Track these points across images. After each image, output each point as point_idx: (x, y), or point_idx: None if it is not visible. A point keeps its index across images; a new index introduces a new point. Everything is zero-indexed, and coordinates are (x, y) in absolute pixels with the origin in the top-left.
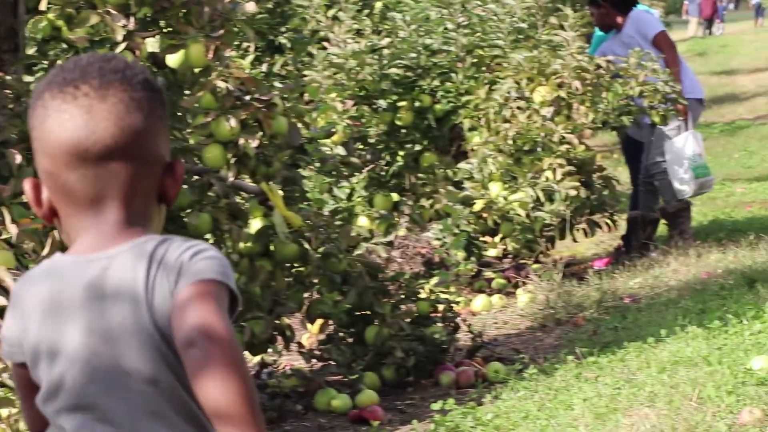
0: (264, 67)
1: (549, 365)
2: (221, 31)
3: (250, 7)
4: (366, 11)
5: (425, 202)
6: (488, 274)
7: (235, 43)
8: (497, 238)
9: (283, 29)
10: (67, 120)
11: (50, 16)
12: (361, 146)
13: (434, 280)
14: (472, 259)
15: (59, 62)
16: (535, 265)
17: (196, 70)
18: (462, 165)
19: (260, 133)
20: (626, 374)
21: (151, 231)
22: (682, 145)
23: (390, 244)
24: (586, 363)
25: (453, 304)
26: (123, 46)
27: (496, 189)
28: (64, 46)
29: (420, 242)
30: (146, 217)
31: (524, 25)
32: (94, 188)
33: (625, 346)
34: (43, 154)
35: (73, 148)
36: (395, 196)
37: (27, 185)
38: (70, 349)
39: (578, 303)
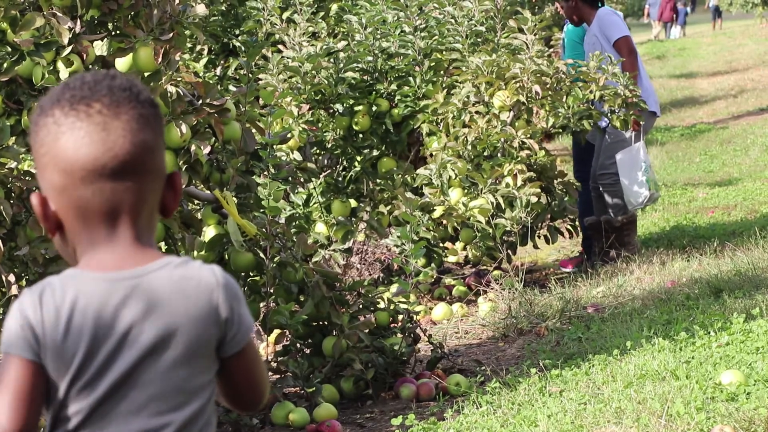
0: (218, 71)
1: (512, 378)
2: (171, 34)
3: (201, 10)
4: (321, 14)
5: (384, 209)
6: (448, 281)
7: (188, 46)
8: (458, 245)
9: (237, 32)
10: (84, 137)
11: None
12: (317, 151)
13: (393, 288)
14: (432, 265)
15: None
16: (496, 272)
17: (146, 75)
18: (421, 171)
19: (213, 139)
20: (592, 388)
21: (155, 245)
22: (638, 151)
23: (348, 251)
24: (550, 376)
25: (413, 314)
26: (69, 49)
27: (455, 195)
28: (9, 49)
29: (379, 248)
30: (152, 232)
31: (482, 29)
32: (109, 202)
33: (589, 358)
34: (56, 170)
35: (90, 163)
36: (353, 203)
37: (35, 200)
38: (116, 365)
39: (540, 312)
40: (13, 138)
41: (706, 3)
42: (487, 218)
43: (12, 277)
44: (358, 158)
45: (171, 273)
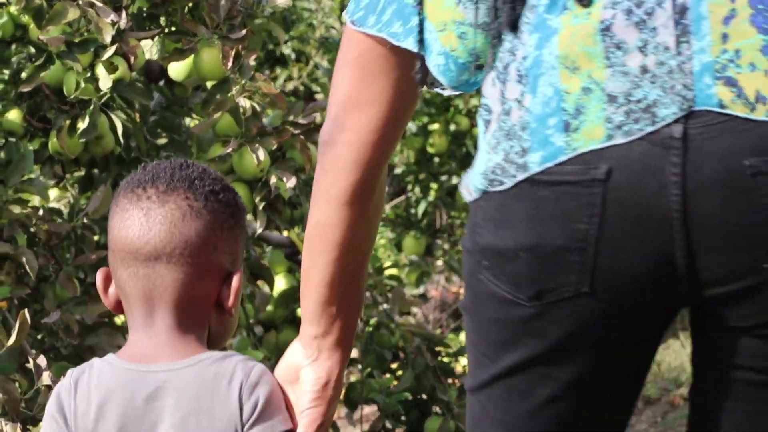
0: None
1: None
2: (243, 32)
3: (282, 1)
4: None
5: None
6: None
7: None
8: None
9: (286, 37)
10: (127, 219)
11: (12, 9)
12: None
13: (463, 336)
14: None
15: None
16: None
17: (210, 84)
18: None
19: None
20: None
21: (204, 339)
22: None
23: (423, 296)
24: None
25: None
26: (112, 50)
27: None
28: (33, 50)
29: (433, 284)
30: (200, 324)
31: None
32: (143, 288)
33: None
34: (109, 249)
35: (127, 246)
36: (428, 239)
37: (99, 274)
38: None
39: (672, 377)
40: (38, 167)
41: None
42: None
43: (43, 361)
44: (434, 186)
45: (204, 370)
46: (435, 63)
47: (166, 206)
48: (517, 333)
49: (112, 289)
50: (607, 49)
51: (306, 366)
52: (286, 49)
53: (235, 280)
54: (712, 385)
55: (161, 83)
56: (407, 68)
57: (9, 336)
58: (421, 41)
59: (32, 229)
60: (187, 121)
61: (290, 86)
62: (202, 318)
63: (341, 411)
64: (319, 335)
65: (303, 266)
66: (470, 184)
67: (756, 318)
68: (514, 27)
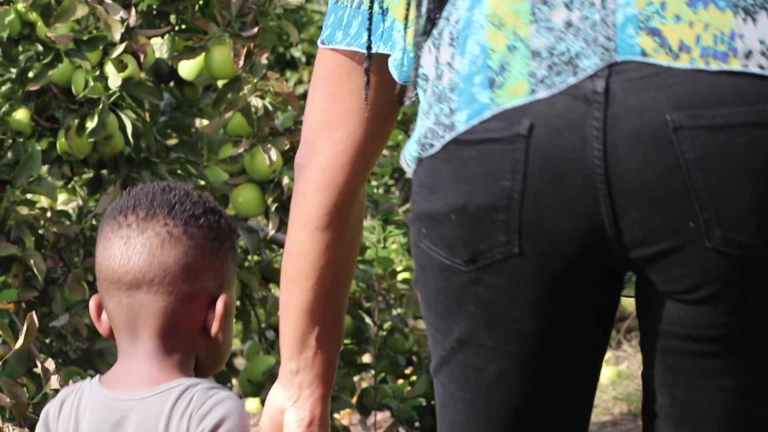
0: None
1: None
2: (255, 30)
3: None
4: None
5: None
6: None
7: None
8: None
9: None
10: (108, 249)
11: (19, 6)
12: (388, 182)
13: None
14: None
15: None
16: None
17: (221, 83)
18: None
19: None
20: None
21: (188, 366)
22: None
23: None
24: None
25: None
26: (121, 48)
27: None
28: (41, 48)
29: None
30: (183, 350)
31: None
32: (127, 316)
33: None
34: (96, 278)
35: (110, 275)
36: None
37: (92, 302)
38: None
39: None
40: (46, 167)
41: None
42: None
43: (51, 365)
44: None
45: (165, 400)
46: (394, 58)
47: (145, 234)
48: (459, 301)
49: (104, 317)
50: (534, 5)
51: (288, 408)
52: (296, 52)
53: (219, 306)
54: (653, 358)
55: (171, 84)
56: (375, 87)
57: (16, 339)
58: (369, 47)
59: (40, 231)
60: (198, 121)
61: (300, 89)
62: (186, 344)
63: (354, 417)
64: (300, 369)
65: (281, 297)
66: (407, 155)
67: (685, 281)
68: (426, 33)
